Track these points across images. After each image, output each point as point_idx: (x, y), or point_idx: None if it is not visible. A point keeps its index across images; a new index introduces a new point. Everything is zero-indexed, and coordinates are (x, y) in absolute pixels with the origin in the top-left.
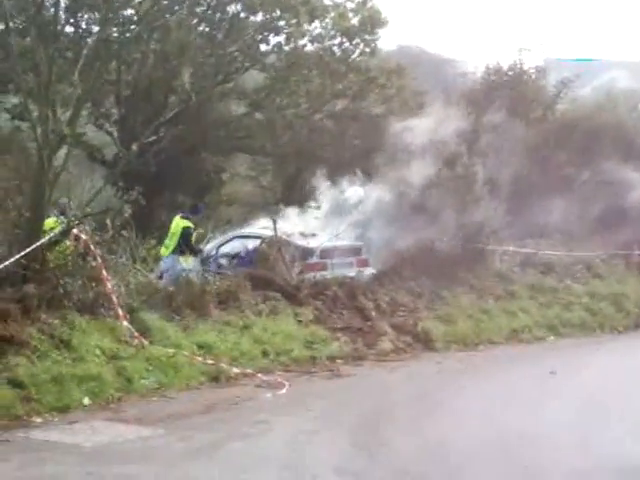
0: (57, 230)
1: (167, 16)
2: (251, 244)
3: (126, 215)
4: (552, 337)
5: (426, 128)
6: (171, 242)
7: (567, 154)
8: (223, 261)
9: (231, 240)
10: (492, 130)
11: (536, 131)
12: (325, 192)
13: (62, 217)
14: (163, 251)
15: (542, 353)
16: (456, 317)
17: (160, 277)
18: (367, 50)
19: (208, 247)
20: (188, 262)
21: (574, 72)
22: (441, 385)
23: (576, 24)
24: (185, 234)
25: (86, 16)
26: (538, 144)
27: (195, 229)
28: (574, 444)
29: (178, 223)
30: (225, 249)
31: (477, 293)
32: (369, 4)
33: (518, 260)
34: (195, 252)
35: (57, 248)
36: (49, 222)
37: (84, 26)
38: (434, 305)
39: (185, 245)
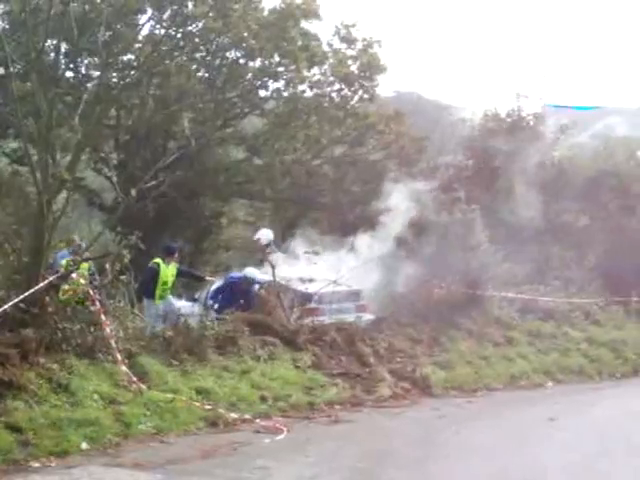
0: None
1: (167, 62)
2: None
3: (125, 260)
4: (550, 383)
5: (424, 174)
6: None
7: (565, 200)
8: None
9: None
10: (490, 176)
11: (534, 177)
12: (322, 238)
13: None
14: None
15: (541, 399)
16: (455, 363)
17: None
18: (366, 96)
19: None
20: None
21: (572, 119)
22: (440, 431)
23: (573, 72)
24: (145, 272)
25: (86, 61)
26: (536, 190)
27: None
28: None
29: None
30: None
31: (476, 339)
32: (368, 51)
33: (517, 306)
34: (146, 294)
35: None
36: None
37: (84, 71)
38: (433, 351)
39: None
